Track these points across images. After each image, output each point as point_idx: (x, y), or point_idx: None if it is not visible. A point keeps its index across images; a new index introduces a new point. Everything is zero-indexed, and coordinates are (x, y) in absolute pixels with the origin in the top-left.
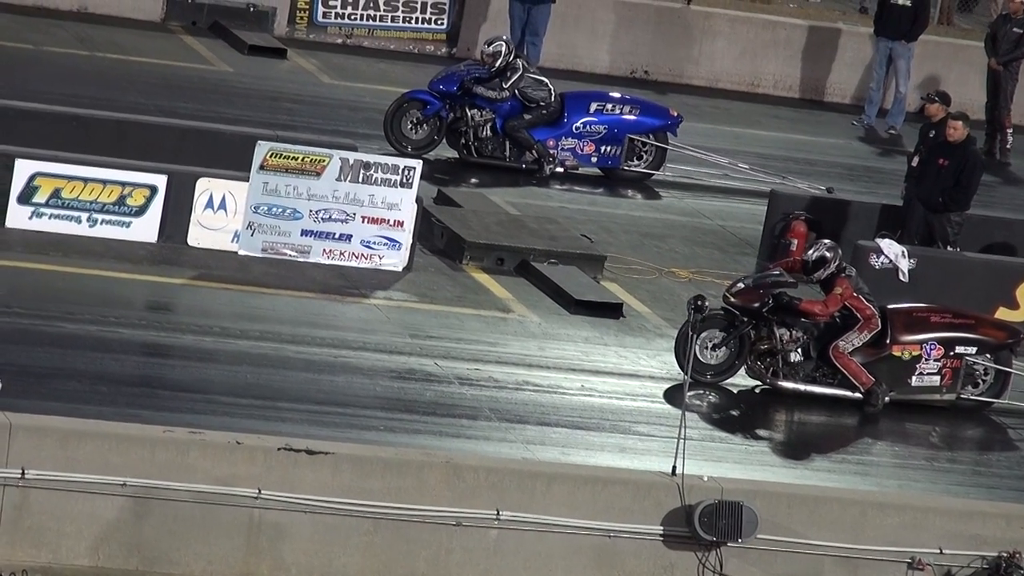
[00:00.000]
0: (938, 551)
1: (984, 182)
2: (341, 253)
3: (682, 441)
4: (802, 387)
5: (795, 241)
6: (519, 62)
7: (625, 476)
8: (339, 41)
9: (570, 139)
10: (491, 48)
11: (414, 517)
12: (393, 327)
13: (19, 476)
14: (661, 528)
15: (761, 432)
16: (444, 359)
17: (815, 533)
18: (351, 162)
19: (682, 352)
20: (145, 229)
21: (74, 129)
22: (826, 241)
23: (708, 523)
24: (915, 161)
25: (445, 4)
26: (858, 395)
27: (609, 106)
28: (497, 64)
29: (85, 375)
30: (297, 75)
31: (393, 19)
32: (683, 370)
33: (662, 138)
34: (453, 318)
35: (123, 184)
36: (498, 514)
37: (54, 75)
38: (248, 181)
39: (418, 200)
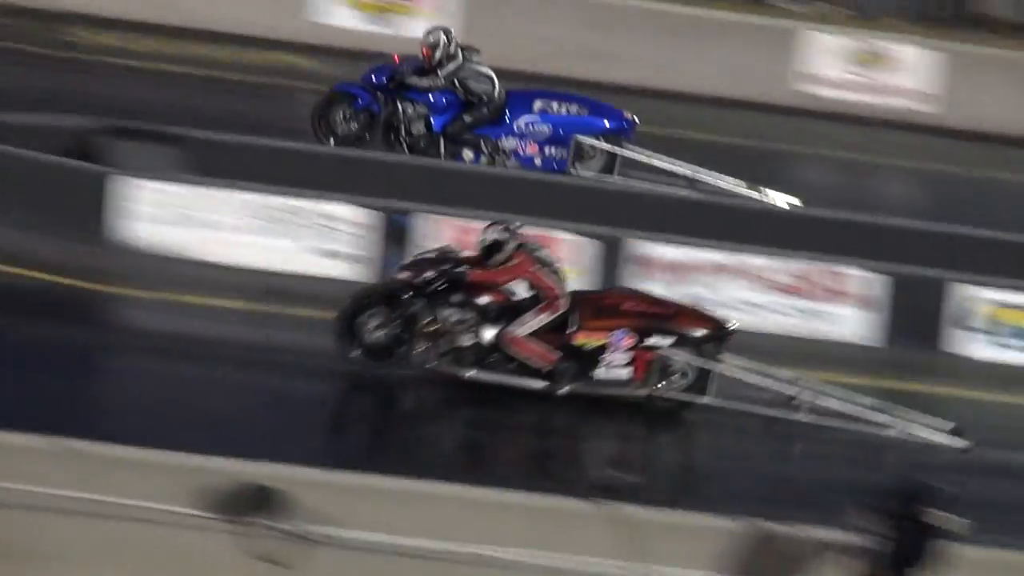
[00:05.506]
0: None
1: None
2: None
3: None
4: (473, 373)
5: None
6: (460, 52)
7: None
8: None
9: (511, 139)
10: (430, 39)
11: None
12: None
13: None
14: None
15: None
16: None
17: None
18: None
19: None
20: None
21: None
22: (497, 223)
23: None
24: None
25: None
26: (539, 383)
27: (555, 104)
28: (436, 55)
29: None
30: None
31: None
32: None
33: (614, 141)
34: None
35: None
36: None
37: None
38: None
39: None
